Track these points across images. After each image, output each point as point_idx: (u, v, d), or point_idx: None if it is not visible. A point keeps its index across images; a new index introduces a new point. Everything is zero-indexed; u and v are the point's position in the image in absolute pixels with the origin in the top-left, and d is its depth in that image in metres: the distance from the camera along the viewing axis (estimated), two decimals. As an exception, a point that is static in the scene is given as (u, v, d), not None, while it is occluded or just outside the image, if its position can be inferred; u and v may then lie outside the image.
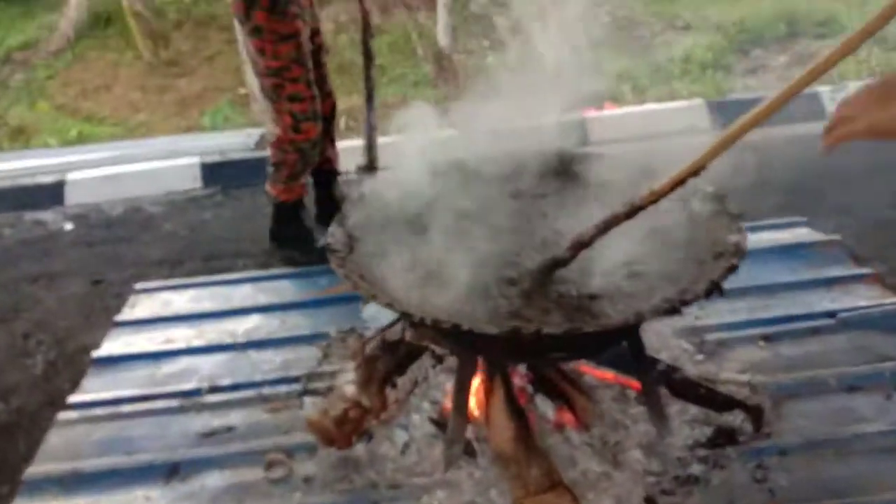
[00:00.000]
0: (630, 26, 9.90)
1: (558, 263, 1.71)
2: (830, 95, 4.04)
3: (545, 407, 1.94)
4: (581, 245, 1.66)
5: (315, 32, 2.94)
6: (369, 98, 3.08)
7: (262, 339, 2.47)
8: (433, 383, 2.06)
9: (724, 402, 1.94)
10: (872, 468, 1.79)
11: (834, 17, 9.27)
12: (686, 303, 1.47)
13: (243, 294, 2.77)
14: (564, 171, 2.21)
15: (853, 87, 4.09)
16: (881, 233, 3.02)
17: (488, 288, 1.74)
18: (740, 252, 1.62)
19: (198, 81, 6.33)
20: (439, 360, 2.09)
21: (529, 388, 1.97)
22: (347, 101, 6.92)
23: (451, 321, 1.46)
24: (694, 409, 1.99)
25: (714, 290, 1.50)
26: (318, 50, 2.96)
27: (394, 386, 2.02)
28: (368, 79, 3.10)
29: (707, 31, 9.02)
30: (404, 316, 1.52)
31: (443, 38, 7.85)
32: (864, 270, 2.54)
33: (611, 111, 3.95)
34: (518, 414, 1.81)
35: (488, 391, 1.86)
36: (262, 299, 2.72)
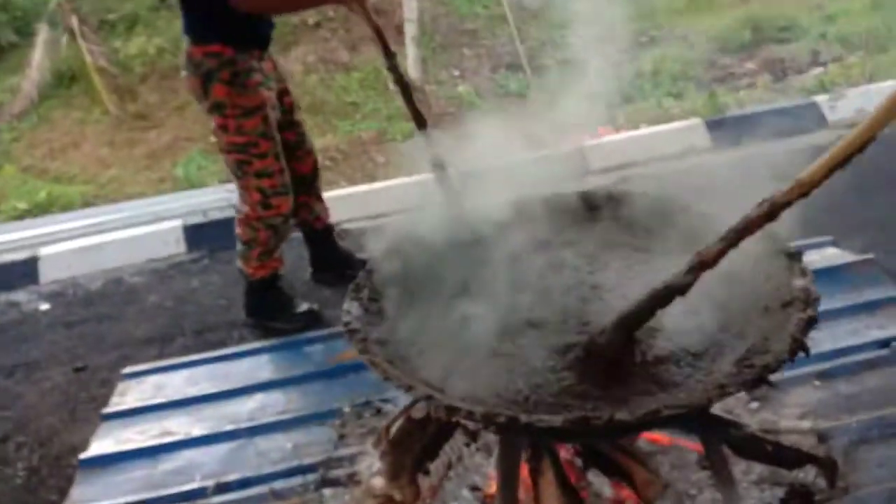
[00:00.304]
0: (598, 44, 9.94)
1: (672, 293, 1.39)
2: (830, 104, 3.94)
3: (600, 482, 1.74)
4: (704, 265, 1.34)
5: (284, 92, 2.75)
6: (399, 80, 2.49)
7: (269, 421, 2.25)
8: (469, 464, 1.85)
9: (793, 458, 1.75)
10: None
11: (795, 22, 9.37)
12: (773, 370, 1.28)
13: (243, 370, 2.55)
14: (585, 212, 2.03)
15: (850, 94, 4.01)
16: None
17: (532, 359, 1.55)
18: (812, 299, 1.45)
19: (167, 133, 6.18)
20: (473, 436, 1.88)
21: (579, 462, 1.77)
22: (323, 140, 6.77)
23: (505, 413, 1.26)
24: (759, 468, 1.80)
25: (799, 349, 1.32)
26: (290, 109, 2.78)
27: (426, 472, 1.81)
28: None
29: (674, 43, 9.07)
30: (449, 410, 1.31)
31: (413, 71, 7.77)
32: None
33: (609, 137, 3.82)
34: (572, 496, 1.61)
35: (535, 471, 1.66)
36: (264, 375, 2.50)
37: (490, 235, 1.92)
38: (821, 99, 4.01)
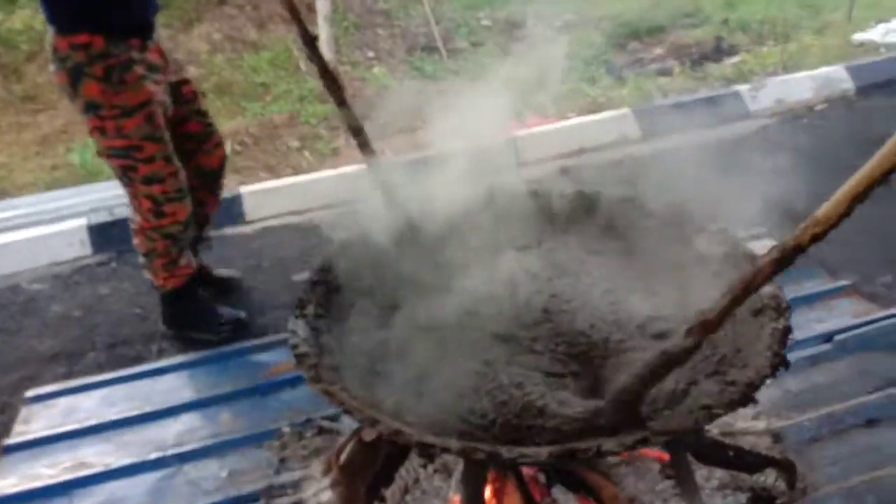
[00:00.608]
0: (509, 29, 9.93)
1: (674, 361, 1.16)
2: (751, 94, 4.02)
3: (565, 498, 1.66)
4: (709, 326, 1.12)
5: (183, 82, 2.45)
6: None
7: (199, 446, 2.06)
8: (427, 488, 1.74)
9: (754, 463, 1.74)
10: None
11: (700, 7, 9.68)
12: (757, 387, 1.23)
13: (165, 389, 2.33)
14: (540, 212, 1.94)
15: (769, 83, 4.11)
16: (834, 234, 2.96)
17: (498, 378, 1.45)
18: (783, 308, 1.41)
19: (59, 116, 5.70)
20: (430, 457, 1.76)
21: (543, 479, 1.69)
22: (231, 123, 6.43)
23: (485, 450, 1.15)
24: (720, 473, 1.78)
25: (781, 364, 1.28)
26: (193, 98, 2.48)
27: (382, 500, 1.69)
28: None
29: (585, 29, 9.18)
30: (422, 447, 1.19)
31: (326, 51, 7.49)
32: (842, 283, 2.45)
33: (541, 127, 3.75)
34: (538, 516, 1.53)
35: (499, 492, 1.57)
36: (190, 393, 2.30)
37: (438, 237, 1.80)
38: (742, 88, 4.09)
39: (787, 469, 1.74)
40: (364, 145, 1.77)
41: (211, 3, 8.39)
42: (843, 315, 2.28)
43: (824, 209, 1.03)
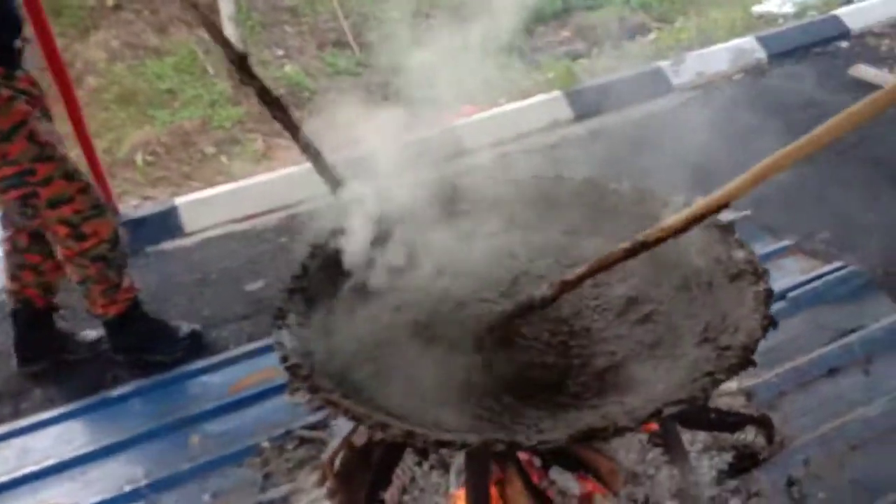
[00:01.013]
0: (418, 17, 9.93)
1: (534, 306, 1.44)
2: (673, 69, 4.16)
3: (563, 478, 1.68)
4: (566, 286, 1.41)
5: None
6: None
7: (175, 472, 1.97)
8: (425, 485, 1.72)
9: (735, 422, 1.81)
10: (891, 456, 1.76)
11: (605, -9, 9.92)
12: (753, 349, 1.28)
13: (127, 417, 2.22)
14: (505, 196, 1.95)
15: (688, 58, 4.25)
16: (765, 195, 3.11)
17: (493, 365, 1.45)
18: (761, 271, 1.47)
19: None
20: (424, 454, 1.75)
21: (538, 462, 1.70)
22: (140, 133, 6.16)
23: (504, 440, 1.15)
24: (702, 436, 1.85)
25: (770, 325, 1.33)
26: None
27: (381, 503, 1.66)
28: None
29: (492, 16, 9.29)
30: (439, 445, 1.17)
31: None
32: (785, 242, 2.56)
33: (478, 115, 3.76)
34: (541, 500, 1.55)
35: (502, 482, 1.57)
36: (155, 419, 2.18)
37: (402, 229, 1.78)
38: (664, 64, 4.22)
39: (764, 425, 1.82)
40: (325, 171, 1.66)
41: (106, 10, 7.99)
42: (791, 273, 2.39)
43: (672, 219, 1.30)
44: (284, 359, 1.39)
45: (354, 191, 1.65)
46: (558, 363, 1.48)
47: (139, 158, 5.58)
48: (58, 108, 3.18)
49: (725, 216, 2.71)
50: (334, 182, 1.65)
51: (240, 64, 1.55)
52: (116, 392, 2.33)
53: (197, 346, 2.52)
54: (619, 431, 1.16)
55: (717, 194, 1.28)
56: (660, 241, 1.33)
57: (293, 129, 1.62)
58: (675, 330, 1.50)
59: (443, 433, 1.20)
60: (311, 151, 1.63)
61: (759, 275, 1.46)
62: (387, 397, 1.40)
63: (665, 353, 1.46)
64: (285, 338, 1.46)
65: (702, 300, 1.56)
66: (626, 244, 1.33)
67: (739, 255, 1.54)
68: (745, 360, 1.25)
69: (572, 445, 1.31)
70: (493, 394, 1.39)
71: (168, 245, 3.25)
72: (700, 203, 1.32)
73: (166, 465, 2.00)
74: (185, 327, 2.56)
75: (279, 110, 1.61)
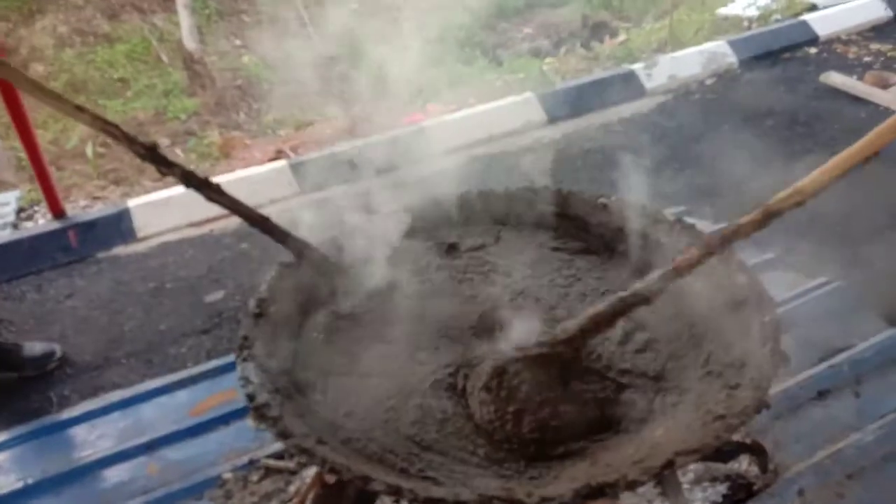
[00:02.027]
0: (379, 11, 9.76)
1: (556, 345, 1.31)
2: (646, 73, 4.09)
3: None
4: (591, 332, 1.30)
5: None
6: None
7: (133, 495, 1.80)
8: (404, 525, 1.59)
9: (728, 451, 1.73)
10: (890, 482, 1.70)
11: (561, -14, 9.90)
12: (766, 389, 1.18)
13: (75, 444, 2.03)
14: (485, 211, 1.83)
15: (661, 61, 4.19)
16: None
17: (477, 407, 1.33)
18: (766, 300, 1.38)
19: None
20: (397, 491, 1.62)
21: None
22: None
23: (505, 498, 1.03)
24: (693, 465, 1.76)
25: (782, 362, 1.24)
26: None
27: (357, 546, 1.52)
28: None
29: (454, 10, 9.18)
30: (429, 503, 1.05)
31: (189, 41, 7.05)
32: (769, 255, 2.51)
33: (448, 116, 3.63)
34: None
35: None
36: (106, 445, 2.01)
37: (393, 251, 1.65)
38: (637, 67, 4.15)
39: (757, 453, 1.75)
40: (298, 250, 1.49)
41: (54, -7, 7.63)
42: (777, 288, 2.32)
43: (807, 180, 1.15)
44: (251, 397, 1.25)
45: (317, 255, 1.50)
46: (560, 402, 1.37)
47: (89, 150, 5.31)
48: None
49: (706, 227, 2.67)
50: (297, 247, 1.48)
51: (151, 156, 1.33)
52: (64, 416, 2.14)
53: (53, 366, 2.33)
54: (630, 486, 1.05)
55: (854, 147, 1.13)
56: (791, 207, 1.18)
57: (236, 207, 1.42)
58: (678, 360, 1.41)
59: (433, 487, 1.08)
60: (263, 225, 1.44)
61: (764, 304, 1.37)
62: (368, 438, 1.28)
63: (669, 386, 1.36)
64: (251, 372, 1.32)
65: (702, 327, 1.47)
66: (754, 213, 1.18)
67: (742, 279, 1.45)
68: (759, 403, 1.15)
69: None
70: (486, 438, 1.27)
71: (121, 250, 3.06)
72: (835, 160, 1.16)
73: (119, 497, 1.83)
74: (38, 347, 2.37)
75: (213, 192, 1.39)
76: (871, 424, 1.84)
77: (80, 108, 1.28)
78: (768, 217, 1.17)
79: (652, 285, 1.25)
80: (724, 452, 1.72)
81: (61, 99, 1.27)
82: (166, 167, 1.34)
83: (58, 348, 2.43)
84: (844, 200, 2.95)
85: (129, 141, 1.31)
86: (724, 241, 1.22)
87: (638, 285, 1.26)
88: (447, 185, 1.88)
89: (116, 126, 1.32)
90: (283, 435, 1.20)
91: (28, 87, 1.26)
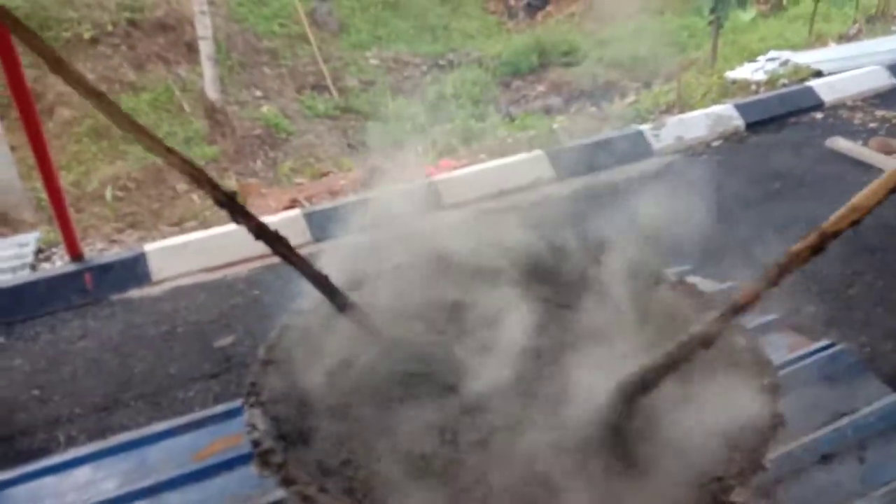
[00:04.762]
0: (397, 67, 10.03)
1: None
2: (653, 133, 4.18)
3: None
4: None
5: None
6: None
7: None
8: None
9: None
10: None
11: (575, 46, 10.20)
12: (764, 452, 1.20)
13: (77, 485, 2.04)
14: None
15: (669, 122, 4.29)
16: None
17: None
18: (765, 362, 1.41)
19: None
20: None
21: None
22: (111, 168, 6.04)
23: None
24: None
25: (780, 425, 1.26)
26: None
27: None
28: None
29: (469, 67, 9.44)
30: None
31: (211, 91, 7.28)
32: (771, 317, 2.52)
33: (459, 171, 3.72)
34: None
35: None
36: (109, 488, 2.02)
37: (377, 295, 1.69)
38: (644, 128, 4.25)
39: (759, 512, 1.74)
40: (332, 295, 1.50)
41: (83, 42, 7.92)
42: (779, 350, 2.34)
43: (861, 196, 1.09)
44: (256, 444, 1.28)
45: (360, 312, 1.53)
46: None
47: (108, 193, 5.44)
48: (25, 139, 3.06)
49: (708, 286, 2.70)
50: (342, 303, 1.51)
51: (230, 204, 1.36)
52: (69, 456, 2.15)
53: None
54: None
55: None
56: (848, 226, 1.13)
57: (300, 263, 1.47)
58: (674, 414, 1.42)
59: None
60: (322, 282, 1.48)
61: (764, 366, 1.39)
62: (378, 483, 1.30)
63: (667, 439, 1.37)
64: (258, 417, 1.35)
65: (699, 383, 1.49)
66: (810, 237, 1.14)
67: (740, 342, 1.48)
68: (756, 465, 1.17)
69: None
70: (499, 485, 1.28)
71: (135, 293, 3.12)
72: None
73: (119, 545, 1.83)
74: None
75: (283, 246, 1.44)
76: (875, 491, 1.83)
77: (170, 150, 1.31)
78: (825, 239, 1.13)
79: (712, 326, 1.25)
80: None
81: (154, 139, 1.31)
82: (243, 217, 1.38)
83: None
84: (847, 264, 2.99)
85: (211, 186, 1.35)
86: (783, 271, 1.18)
87: (698, 328, 1.25)
88: (454, 237, 1.93)
89: (202, 171, 1.36)
90: (286, 482, 1.22)
91: (125, 124, 1.30)
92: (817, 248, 1.13)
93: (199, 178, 1.34)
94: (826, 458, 1.94)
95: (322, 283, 1.46)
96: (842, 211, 1.10)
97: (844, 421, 2.05)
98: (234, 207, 1.36)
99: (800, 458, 1.95)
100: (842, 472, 1.91)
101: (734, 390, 1.39)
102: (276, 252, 1.41)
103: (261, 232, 1.39)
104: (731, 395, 1.39)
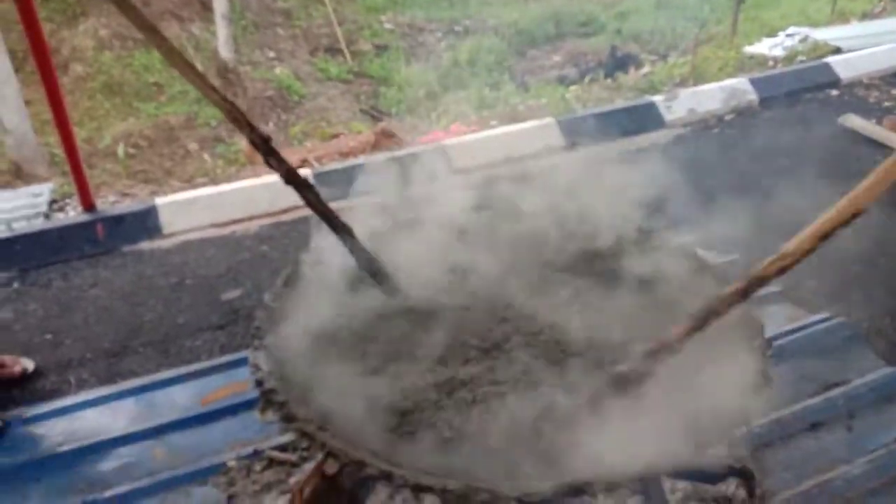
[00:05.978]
0: (412, 33, 9.94)
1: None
2: (666, 104, 4.16)
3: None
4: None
5: None
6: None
7: (136, 487, 1.87)
8: (398, 519, 1.66)
9: (718, 473, 1.77)
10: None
11: (593, 17, 10.05)
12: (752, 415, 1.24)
13: (88, 425, 2.12)
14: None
15: (682, 94, 4.26)
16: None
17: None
18: (756, 324, 1.44)
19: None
20: (388, 477, 1.68)
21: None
22: (123, 125, 6.06)
23: (488, 489, 1.10)
24: (681, 484, 1.81)
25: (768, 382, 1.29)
26: None
27: (351, 537, 1.59)
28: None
29: (485, 35, 9.34)
30: (416, 489, 1.12)
31: (224, 51, 7.27)
32: (773, 289, 2.54)
33: (470, 136, 3.73)
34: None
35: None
36: (121, 425, 2.10)
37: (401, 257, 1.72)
38: (657, 99, 4.23)
39: (746, 477, 1.78)
40: (358, 251, 1.52)
41: (96, -3, 7.89)
42: (777, 321, 2.38)
43: (793, 243, 1.14)
44: (259, 382, 1.33)
45: (386, 268, 1.56)
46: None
47: (121, 150, 5.48)
48: (39, 93, 3.09)
49: (713, 258, 2.72)
50: (368, 261, 1.54)
51: (265, 147, 1.38)
52: (80, 398, 2.23)
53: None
54: (609, 488, 1.11)
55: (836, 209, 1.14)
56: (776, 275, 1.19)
57: (326, 211, 1.48)
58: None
59: (423, 475, 1.15)
60: (345, 235, 1.50)
61: (754, 328, 1.43)
62: (372, 429, 1.35)
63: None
64: (262, 359, 1.40)
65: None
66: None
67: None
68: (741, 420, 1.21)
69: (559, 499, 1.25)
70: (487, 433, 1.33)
71: (145, 245, 3.17)
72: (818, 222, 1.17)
73: (127, 477, 1.91)
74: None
75: (311, 194, 1.45)
76: (860, 458, 1.87)
77: (213, 88, 1.34)
78: (755, 286, 1.19)
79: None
80: (713, 475, 1.76)
81: (200, 75, 1.34)
82: (276, 160, 1.39)
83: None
84: (853, 241, 2.99)
85: (249, 127, 1.37)
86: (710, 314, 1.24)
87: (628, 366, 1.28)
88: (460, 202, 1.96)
89: (241, 112, 1.38)
90: (287, 419, 1.27)
91: (176, 59, 1.34)
92: (742, 296, 1.19)
93: (238, 118, 1.37)
94: (815, 426, 2.00)
95: (347, 233, 1.49)
96: (772, 258, 1.16)
97: (836, 391, 2.09)
98: (269, 150, 1.38)
99: (790, 424, 2.00)
100: (829, 440, 1.96)
101: (724, 353, 1.43)
102: (303, 199, 1.43)
103: (291, 178, 1.41)
104: (721, 354, 1.43)
